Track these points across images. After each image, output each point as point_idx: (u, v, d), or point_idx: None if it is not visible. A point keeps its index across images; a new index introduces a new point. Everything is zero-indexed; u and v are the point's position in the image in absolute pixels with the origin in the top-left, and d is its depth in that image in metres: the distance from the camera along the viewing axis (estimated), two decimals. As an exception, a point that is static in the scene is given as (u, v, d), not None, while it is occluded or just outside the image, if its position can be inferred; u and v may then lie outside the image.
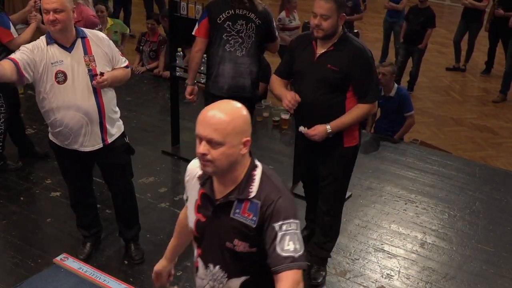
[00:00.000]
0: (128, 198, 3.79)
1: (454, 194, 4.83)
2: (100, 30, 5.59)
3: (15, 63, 3.16)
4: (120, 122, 3.57)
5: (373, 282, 3.76)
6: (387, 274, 3.83)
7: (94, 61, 3.30)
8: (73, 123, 3.30)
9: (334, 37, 3.23)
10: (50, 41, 3.26)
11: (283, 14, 7.38)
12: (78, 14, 5.43)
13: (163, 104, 6.30)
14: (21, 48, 3.28)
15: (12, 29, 4.54)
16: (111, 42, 3.44)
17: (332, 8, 3.12)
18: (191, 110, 6.28)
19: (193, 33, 4.26)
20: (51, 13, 3.16)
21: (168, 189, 4.74)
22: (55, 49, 3.26)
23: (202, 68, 5.09)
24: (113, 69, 3.42)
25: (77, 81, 3.26)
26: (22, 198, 4.53)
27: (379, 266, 3.91)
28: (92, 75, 3.27)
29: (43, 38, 3.29)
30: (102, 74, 3.28)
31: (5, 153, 4.89)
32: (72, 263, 3.70)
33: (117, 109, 3.53)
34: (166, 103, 5.61)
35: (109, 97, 3.41)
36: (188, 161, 2.19)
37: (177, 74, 5.20)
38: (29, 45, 3.28)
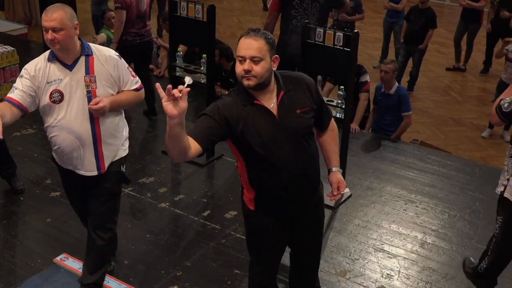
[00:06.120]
0: (102, 233, 3.26)
1: (454, 194, 4.83)
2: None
3: (16, 104, 2.97)
4: (124, 147, 3.27)
5: (373, 282, 3.76)
6: (387, 274, 3.84)
7: (95, 82, 3.02)
8: (65, 145, 3.07)
9: (270, 84, 2.62)
10: (52, 58, 3.03)
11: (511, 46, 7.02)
12: None
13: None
14: (23, 73, 3.03)
15: None
16: (120, 61, 3.11)
17: (264, 48, 2.53)
18: (191, 110, 6.30)
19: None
20: (50, 31, 2.92)
21: (168, 189, 4.74)
22: (55, 67, 3.01)
23: (202, 68, 5.10)
24: (120, 91, 3.12)
25: (73, 102, 3.02)
26: (22, 198, 4.53)
27: (379, 266, 3.91)
28: (91, 97, 3.01)
29: (46, 54, 3.06)
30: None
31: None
32: (72, 263, 3.71)
33: (119, 133, 3.21)
34: (166, 103, 5.60)
35: (109, 121, 3.11)
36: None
37: (177, 74, 5.19)
38: (32, 66, 3.03)
